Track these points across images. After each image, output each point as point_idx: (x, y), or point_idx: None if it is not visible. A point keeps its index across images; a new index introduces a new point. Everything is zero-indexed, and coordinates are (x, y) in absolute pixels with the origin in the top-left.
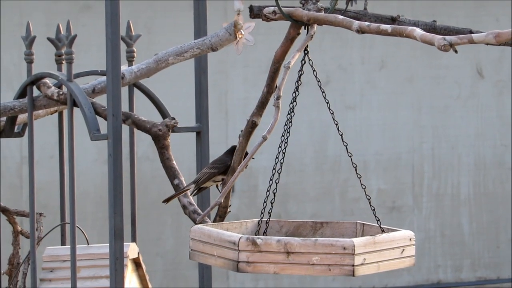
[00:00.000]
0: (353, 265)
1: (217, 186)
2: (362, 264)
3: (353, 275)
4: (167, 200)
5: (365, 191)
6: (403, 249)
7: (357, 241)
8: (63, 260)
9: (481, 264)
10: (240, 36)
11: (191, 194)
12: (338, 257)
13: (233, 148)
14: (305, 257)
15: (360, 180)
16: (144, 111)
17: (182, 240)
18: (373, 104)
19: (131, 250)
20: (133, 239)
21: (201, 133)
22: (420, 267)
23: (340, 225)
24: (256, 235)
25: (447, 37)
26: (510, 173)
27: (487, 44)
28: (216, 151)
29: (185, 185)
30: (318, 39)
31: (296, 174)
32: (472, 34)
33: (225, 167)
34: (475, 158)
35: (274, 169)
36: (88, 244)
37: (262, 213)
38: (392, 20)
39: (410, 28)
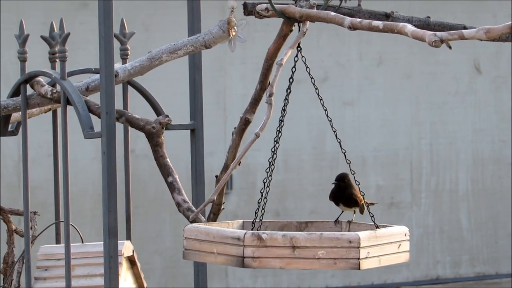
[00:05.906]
0: (358, 259)
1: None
2: (366, 257)
3: (359, 268)
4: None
5: (359, 187)
6: (400, 244)
7: (362, 234)
8: (58, 259)
9: (480, 259)
10: (233, 33)
11: None
12: (344, 251)
13: None
14: (310, 251)
15: (354, 177)
16: (138, 109)
17: (180, 237)
18: (371, 100)
19: (126, 248)
20: (128, 237)
21: (195, 131)
22: (419, 263)
23: (324, 224)
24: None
25: (438, 33)
26: (509, 168)
27: (481, 40)
28: (214, 148)
29: (179, 182)
30: (315, 36)
31: (294, 171)
32: (463, 30)
33: None
34: (473, 154)
35: (273, 165)
36: (82, 243)
37: (262, 211)
38: (386, 16)
39: (401, 24)
